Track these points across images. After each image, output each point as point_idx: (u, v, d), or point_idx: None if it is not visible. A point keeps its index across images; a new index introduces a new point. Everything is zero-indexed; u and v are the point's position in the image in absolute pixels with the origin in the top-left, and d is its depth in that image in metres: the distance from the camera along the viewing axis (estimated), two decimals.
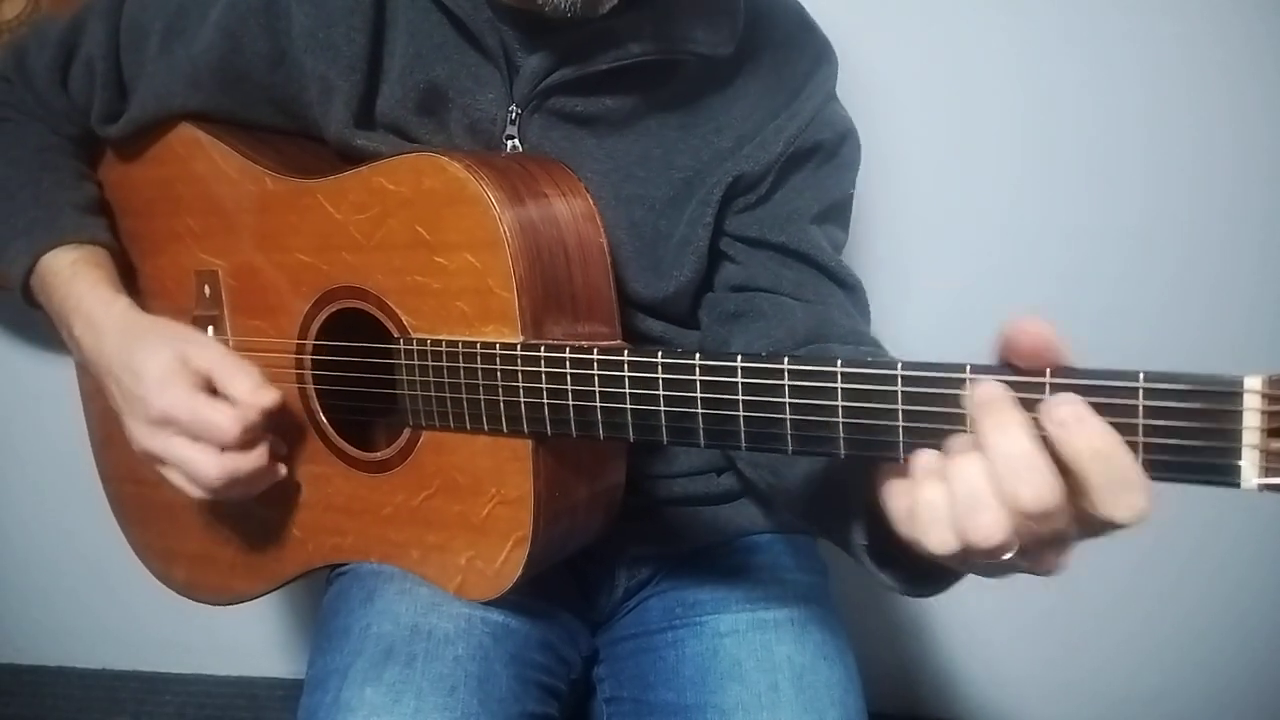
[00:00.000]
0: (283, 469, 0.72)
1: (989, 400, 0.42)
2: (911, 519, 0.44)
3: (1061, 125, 1.04)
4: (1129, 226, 1.05)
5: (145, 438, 0.68)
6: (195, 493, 0.67)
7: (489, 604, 0.68)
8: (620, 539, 0.76)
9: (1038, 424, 0.41)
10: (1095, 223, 1.06)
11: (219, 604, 0.84)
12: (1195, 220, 1.04)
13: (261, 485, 0.70)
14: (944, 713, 1.28)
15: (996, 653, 1.25)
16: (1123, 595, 1.17)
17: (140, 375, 0.67)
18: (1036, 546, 0.43)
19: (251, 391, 0.67)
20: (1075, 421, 0.40)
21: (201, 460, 0.66)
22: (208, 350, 0.69)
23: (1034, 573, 0.45)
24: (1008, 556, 0.43)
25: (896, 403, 0.46)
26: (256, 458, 0.68)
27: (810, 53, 0.74)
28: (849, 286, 0.73)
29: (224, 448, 0.66)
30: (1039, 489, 0.40)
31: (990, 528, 0.41)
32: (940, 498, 0.43)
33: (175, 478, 0.68)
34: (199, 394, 0.67)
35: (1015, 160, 1.05)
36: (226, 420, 0.65)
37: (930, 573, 0.51)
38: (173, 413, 0.66)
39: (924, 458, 0.44)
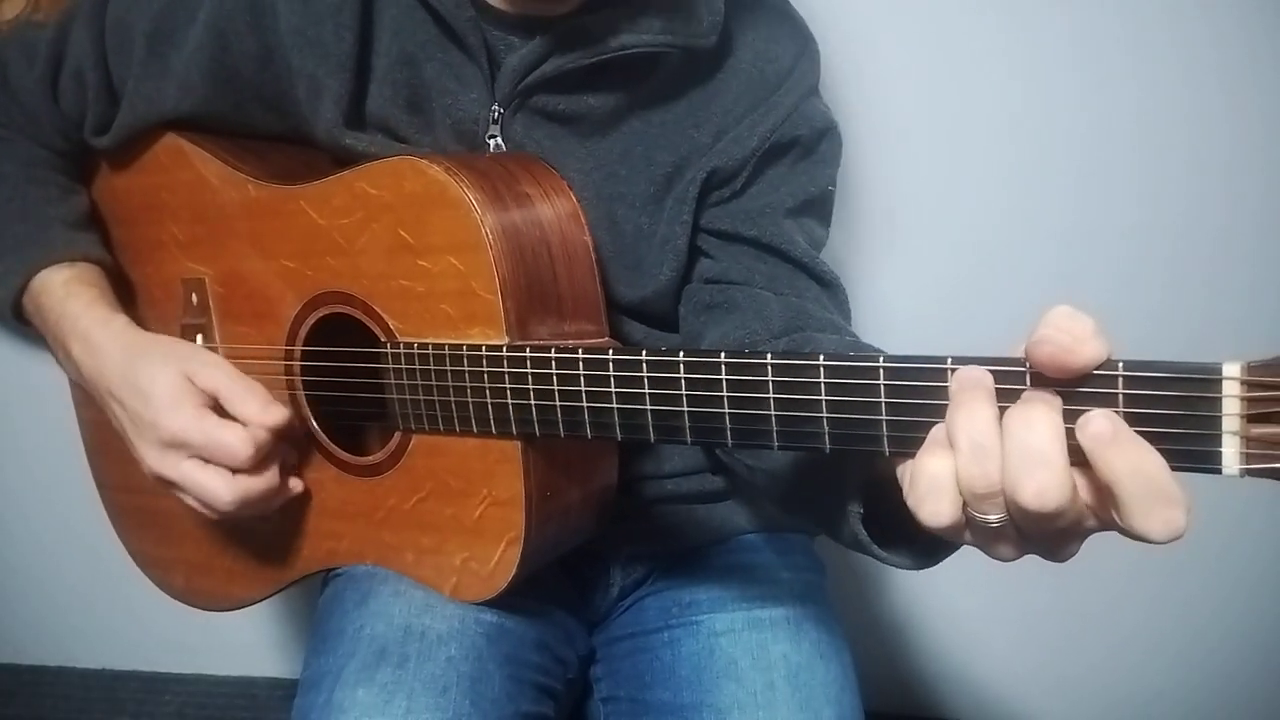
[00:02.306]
0: (296, 485, 0.72)
1: (1027, 396, 0.41)
2: (910, 486, 0.44)
3: (1053, 123, 1.03)
4: (1121, 225, 1.05)
5: (156, 462, 0.68)
6: (209, 515, 0.68)
7: (484, 604, 0.69)
8: (615, 538, 0.76)
9: (1071, 434, 0.40)
10: (1087, 222, 1.05)
11: (218, 610, 0.84)
12: (1188, 220, 1.04)
13: (274, 504, 0.70)
14: (941, 712, 1.28)
15: (994, 651, 1.24)
16: (1121, 593, 1.17)
17: (148, 397, 0.67)
18: (1041, 538, 0.42)
19: (261, 411, 0.67)
20: (1110, 437, 0.39)
21: (215, 484, 0.66)
22: (213, 370, 0.69)
23: (1041, 556, 0.44)
24: (1004, 547, 0.43)
25: (880, 396, 0.46)
26: (268, 478, 0.68)
27: (793, 47, 0.73)
28: (826, 283, 0.72)
29: (236, 469, 0.66)
30: (1043, 487, 0.39)
31: (995, 517, 0.41)
32: (944, 470, 0.42)
33: (190, 501, 0.68)
34: (209, 415, 0.67)
35: (1006, 158, 1.05)
36: (238, 442, 0.66)
37: (928, 546, 0.51)
38: (184, 435, 0.66)
39: (940, 429, 0.43)
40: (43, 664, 1.38)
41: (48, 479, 1.27)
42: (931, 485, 0.42)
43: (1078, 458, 0.40)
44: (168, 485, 0.69)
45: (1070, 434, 0.40)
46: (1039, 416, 0.40)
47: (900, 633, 1.26)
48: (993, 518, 0.41)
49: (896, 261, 1.09)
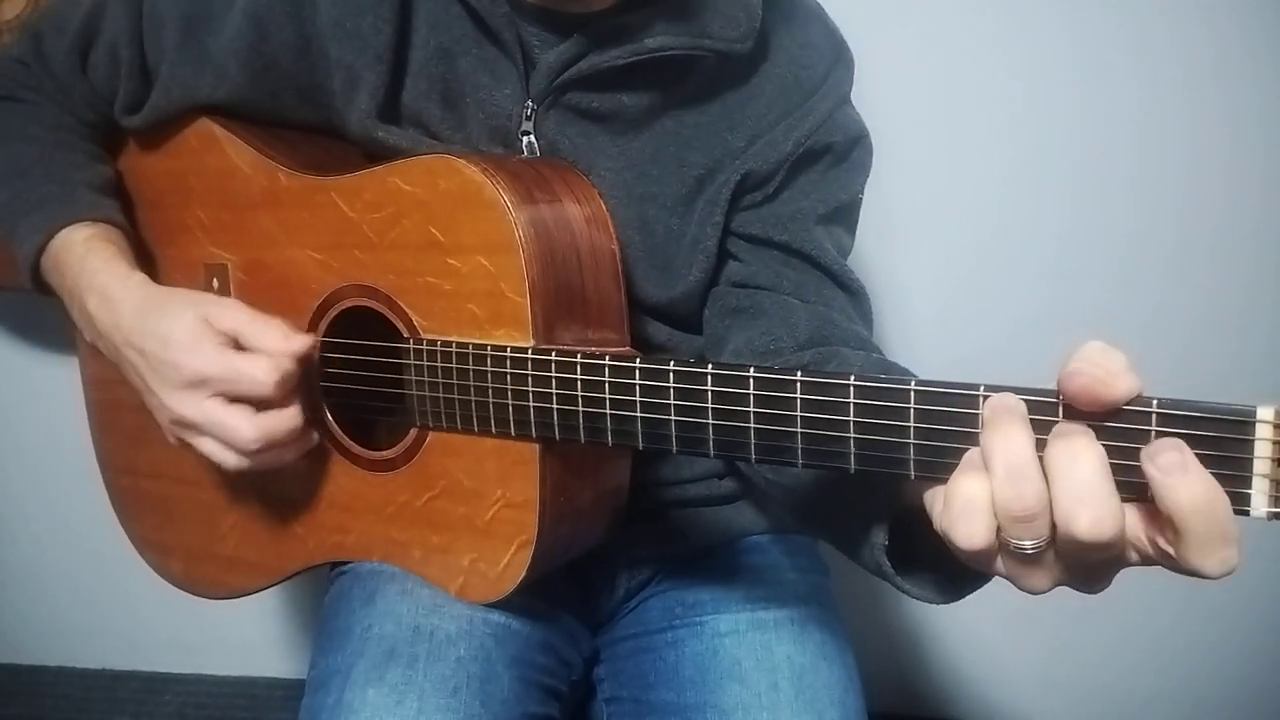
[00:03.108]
0: (315, 435, 0.70)
1: (1065, 429, 0.41)
2: (944, 508, 0.43)
3: (1055, 130, 1.05)
4: (1122, 231, 1.07)
5: (177, 403, 0.66)
6: (231, 460, 0.66)
7: (491, 605, 0.68)
8: (622, 540, 0.75)
9: (1140, 465, 0.39)
10: (1089, 227, 1.07)
11: (217, 598, 0.83)
12: (1188, 224, 1.05)
13: (296, 452, 0.68)
14: (944, 712, 1.29)
15: (996, 652, 1.26)
16: (1120, 594, 1.17)
17: (167, 339, 0.66)
18: (1082, 569, 0.42)
19: (284, 341, 0.66)
20: (1180, 470, 0.38)
21: (238, 421, 0.64)
22: (231, 310, 0.68)
23: (1074, 588, 0.43)
24: (1038, 576, 0.43)
25: (909, 420, 0.46)
26: (292, 415, 0.66)
27: (829, 55, 0.74)
28: (852, 291, 0.72)
29: (260, 402, 0.65)
30: (1098, 517, 0.39)
31: (1031, 543, 0.41)
32: (979, 492, 0.42)
33: (209, 447, 0.66)
34: (230, 350, 0.66)
35: (1009, 164, 1.06)
36: (262, 370, 0.64)
37: (954, 579, 0.51)
38: (207, 370, 0.64)
39: (975, 453, 0.43)
40: (43, 664, 1.38)
41: (48, 480, 1.27)
42: (966, 507, 0.42)
43: (1129, 490, 0.40)
44: (188, 429, 0.67)
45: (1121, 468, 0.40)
46: (1083, 448, 0.40)
47: (903, 634, 1.27)
48: (1028, 544, 0.41)
49: (908, 260, 1.10)
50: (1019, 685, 1.26)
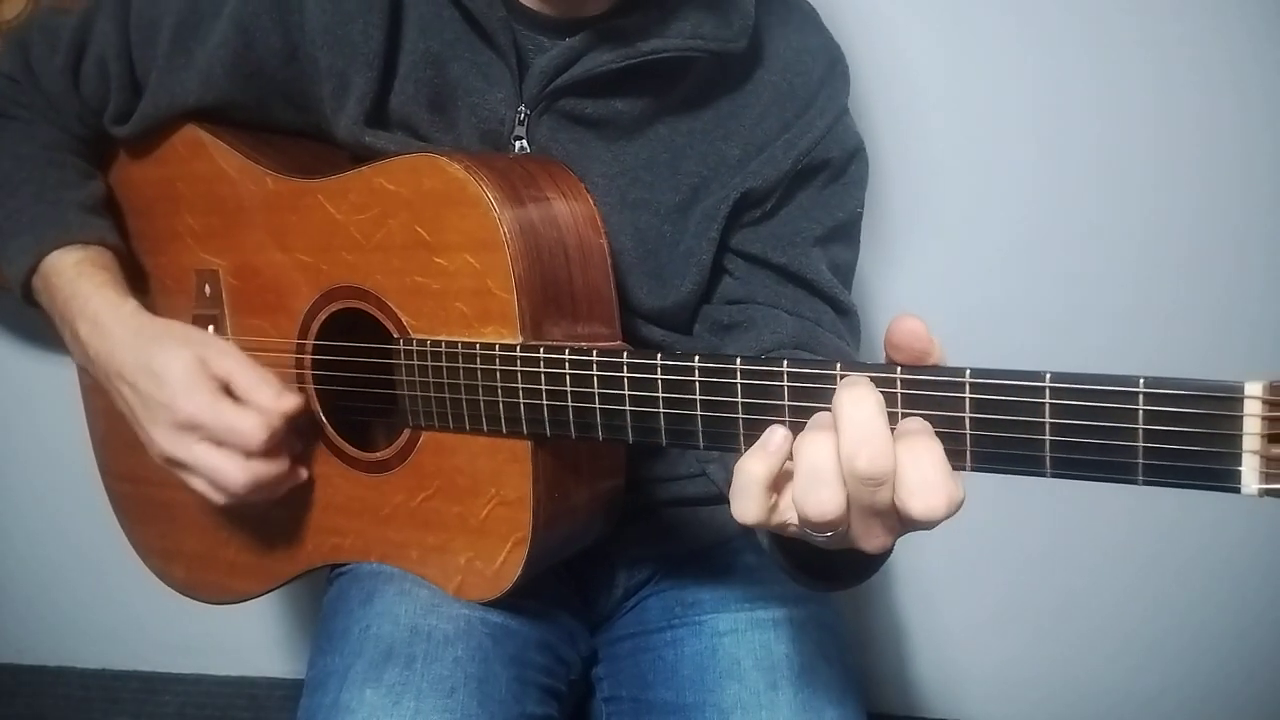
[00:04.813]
0: (304, 473, 0.72)
1: (851, 380, 0.46)
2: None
3: (1070, 129, 1.04)
4: (1137, 230, 1.06)
5: (168, 444, 0.68)
6: (218, 499, 0.68)
7: (488, 605, 0.69)
8: (620, 539, 0.76)
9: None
10: (1104, 226, 1.06)
11: (219, 603, 0.84)
12: (1203, 223, 1.05)
13: (283, 490, 0.70)
14: (943, 713, 1.28)
15: (996, 652, 1.25)
16: (1122, 595, 1.18)
17: (162, 379, 0.67)
18: (867, 514, 0.45)
19: (275, 398, 0.67)
20: (919, 429, 0.44)
21: (227, 467, 0.66)
22: (227, 356, 0.69)
23: (862, 546, 0.47)
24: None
25: (896, 406, 0.46)
26: (280, 464, 0.68)
27: (823, 60, 0.73)
28: (844, 311, 0.73)
29: (249, 453, 0.66)
30: (875, 456, 0.43)
31: (826, 500, 0.45)
32: (764, 470, 0.47)
33: (199, 484, 0.68)
34: (223, 398, 0.67)
35: (1023, 165, 1.06)
36: (252, 427, 0.66)
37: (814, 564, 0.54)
38: (199, 417, 0.66)
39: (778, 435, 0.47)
40: (43, 664, 1.38)
41: (48, 480, 1.27)
42: (749, 484, 0.47)
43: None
44: (178, 468, 0.68)
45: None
46: (864, 394, 0.45)
47: (902, 634, 1.26)
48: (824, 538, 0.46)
49: (912, 272, 1.10)
50: (1019, 685, 1.26)
